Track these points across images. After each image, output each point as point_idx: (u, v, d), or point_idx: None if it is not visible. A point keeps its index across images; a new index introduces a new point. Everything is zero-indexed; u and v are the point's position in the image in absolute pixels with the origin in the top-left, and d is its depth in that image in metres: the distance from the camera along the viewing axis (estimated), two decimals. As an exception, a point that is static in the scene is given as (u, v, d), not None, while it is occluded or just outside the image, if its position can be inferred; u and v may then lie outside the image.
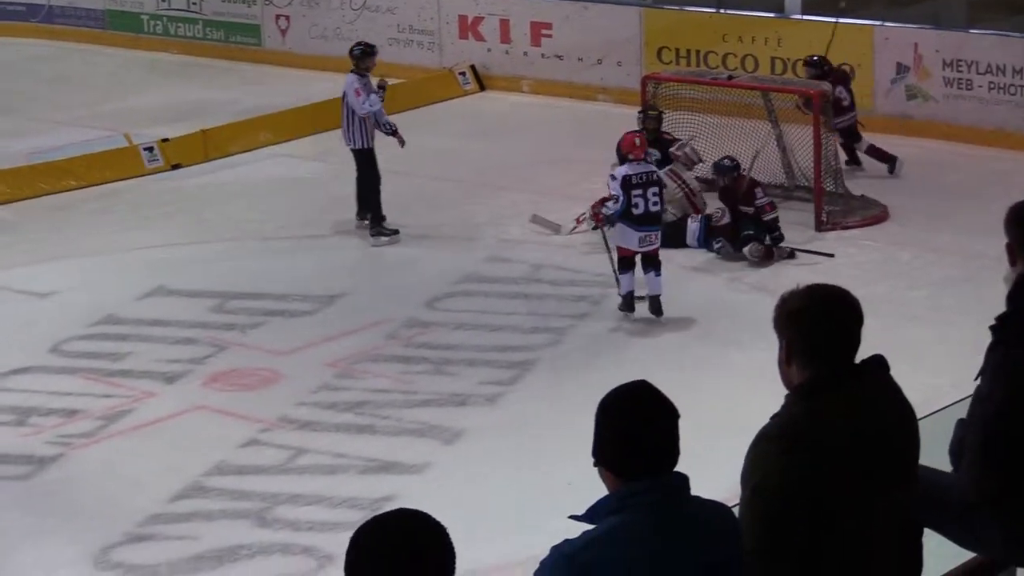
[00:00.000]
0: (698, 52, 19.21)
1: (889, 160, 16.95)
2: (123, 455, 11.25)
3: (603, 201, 13.51)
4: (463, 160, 16.60)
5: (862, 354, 4.37)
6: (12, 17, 26.22)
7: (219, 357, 12.85)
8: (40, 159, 18.32)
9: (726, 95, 17.09)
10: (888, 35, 18.73)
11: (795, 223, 15.04)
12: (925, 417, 4.63)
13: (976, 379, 5.21)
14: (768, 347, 4.43)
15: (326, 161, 18.34)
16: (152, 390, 12.24)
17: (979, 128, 17.98)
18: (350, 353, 12.86)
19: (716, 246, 14.76)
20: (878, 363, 4.37)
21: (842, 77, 16.97)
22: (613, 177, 13.19)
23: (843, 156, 16.65)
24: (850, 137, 16.95)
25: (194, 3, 24.49)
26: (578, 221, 15.30)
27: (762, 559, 4.12)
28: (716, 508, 4.05)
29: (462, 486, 10.48)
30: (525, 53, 21.52)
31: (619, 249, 13.31)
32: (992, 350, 5.15)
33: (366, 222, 15.74)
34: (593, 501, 3.95)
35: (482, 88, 21.70)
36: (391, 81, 16.68)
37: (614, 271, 13.38)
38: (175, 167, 18.43)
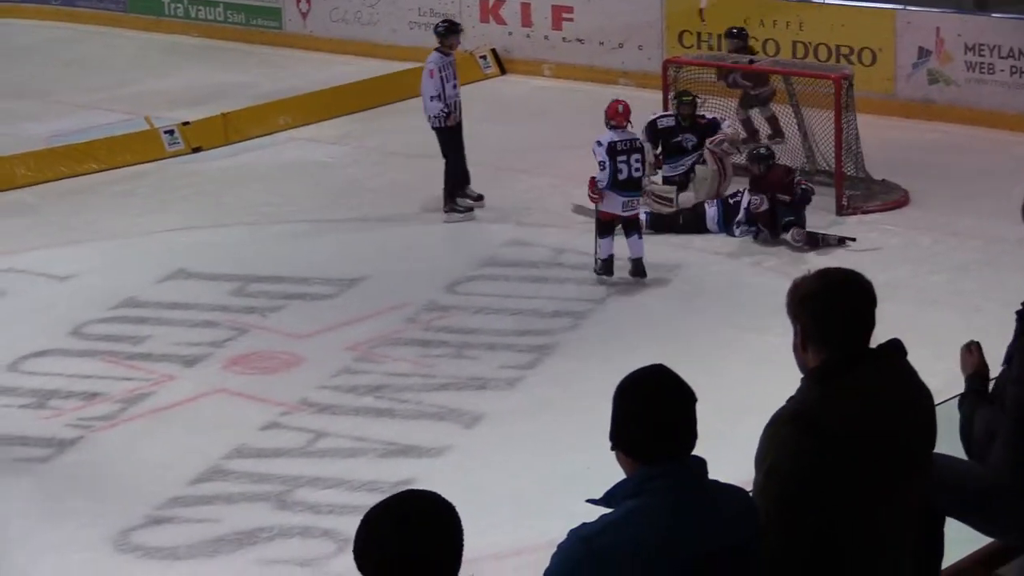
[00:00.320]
0: (719, 36, 19.13)
1: (779, 134, 16.92)
2: (143, 438, 11.28)
3: (593, 181, 13.60)
4: (484, 144, 16.55)
5: (882, 338, 4.35)
6: (33, 0, 26.23)
7: (239, 340, 12.86)
8: (60, 142, 18.36)
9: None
10: (910, 19, 18.66)
11: (816, 208, 14.97)
12: (944, 402, 4.61)
13: (1003, 364, 5.20)
14: (787, 331, 4.41)
15: (346, 145, 18.33)
16: (172, 373, 12.26)
17: (1001, 112, 17.92)
18: (370, 337, 12.86)
19: (737, 231, 14.76)
20: (894, 347, 4.35)
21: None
22: (599, 143, 13.56)
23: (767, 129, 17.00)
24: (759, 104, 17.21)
25: (215, -14, 24.51)
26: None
27: (776, 541, 4.11)
28: (734, 492, 4.04)
29: (481, 470, 10.49)
30: (546, 37, 21.49)
31: (601, 213, 13.58)
32: (1022, 335, 5.14)
33: (468, 201, 15.79)
34: (611, 485, 3.94)
35: (503, 72, 21.68)
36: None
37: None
38: (196, 150, 18.45)
